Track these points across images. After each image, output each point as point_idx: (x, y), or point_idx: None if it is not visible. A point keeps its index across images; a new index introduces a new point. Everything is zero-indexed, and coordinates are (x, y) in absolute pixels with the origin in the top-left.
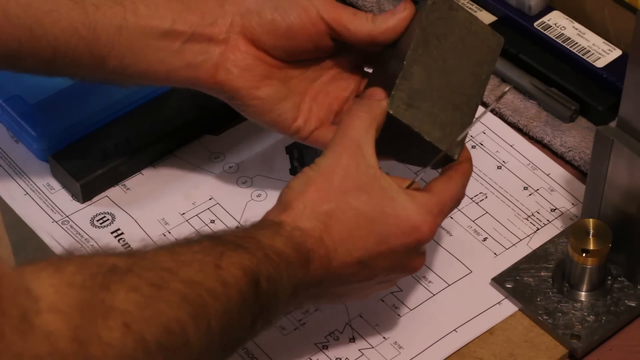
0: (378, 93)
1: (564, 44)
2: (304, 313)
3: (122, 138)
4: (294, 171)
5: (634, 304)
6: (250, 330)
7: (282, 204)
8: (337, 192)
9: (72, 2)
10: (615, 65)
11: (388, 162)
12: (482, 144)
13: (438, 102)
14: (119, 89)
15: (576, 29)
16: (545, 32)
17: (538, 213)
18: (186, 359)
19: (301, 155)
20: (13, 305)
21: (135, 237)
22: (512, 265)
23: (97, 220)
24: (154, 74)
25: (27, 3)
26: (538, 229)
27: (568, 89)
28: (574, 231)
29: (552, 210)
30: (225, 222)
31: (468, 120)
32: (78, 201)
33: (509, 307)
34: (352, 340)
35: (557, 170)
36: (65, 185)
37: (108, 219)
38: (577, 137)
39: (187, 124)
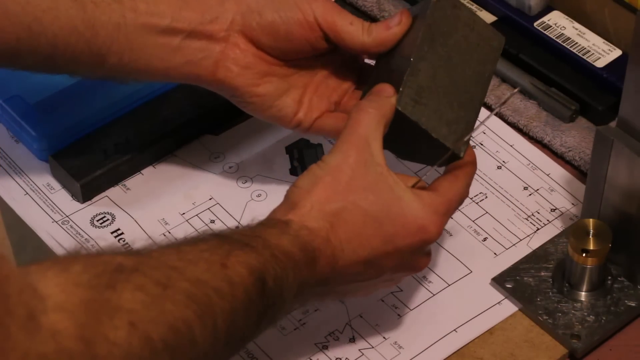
0: (387, 89)
1: (564, 44)
2: (304, 313)
3: (122, 138)
4: (294, 171)
5: (634, 304)
6: (255, 329)
7: (289, 203)
8: (344, 192)
9: None
10: (615, 65)
11: (390, 160)
12: (482, 144)
13: (444, 99)
14: (119, 89)
15: (576, 29)
16: (545, 32)
17: (538, 213)
18: (192, 358)
19: (301, 155)
20: (19, 304)
21: (135, 237)
22: (512, 265)
23: (97, 220)
24: (153, 70)
25: (26, 0)
26: (538, 229)
27: (568, 89)
28: (574, 231)
29: (552, 210)
30: (225, 222)
31: (472, 118)
32: (78, 201)
33: (509, 307)
34: (352, 340)
35: (557, 170)
36: (65, 185)
37: (108, 219)
38: (577, 137)
39: (187, 124)
